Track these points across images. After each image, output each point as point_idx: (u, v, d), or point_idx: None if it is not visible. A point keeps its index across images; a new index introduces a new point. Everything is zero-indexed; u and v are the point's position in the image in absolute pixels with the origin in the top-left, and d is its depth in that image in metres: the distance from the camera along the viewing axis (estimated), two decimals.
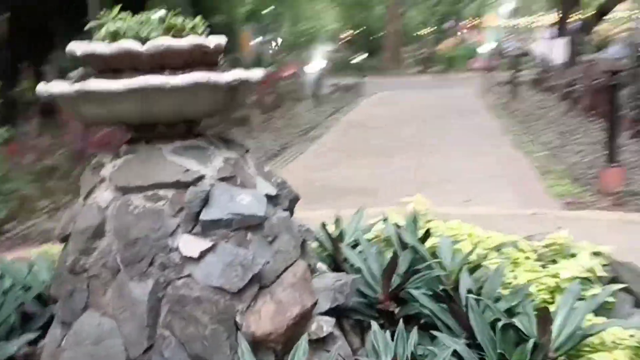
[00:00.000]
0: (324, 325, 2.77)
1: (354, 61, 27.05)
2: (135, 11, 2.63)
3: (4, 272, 3.33)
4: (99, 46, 2.46)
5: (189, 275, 2.53)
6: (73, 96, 2.41)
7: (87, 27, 2.64)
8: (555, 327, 2.74)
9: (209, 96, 2.51)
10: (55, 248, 4.66)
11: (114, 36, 2.52)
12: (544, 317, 2.68)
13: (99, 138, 9.16)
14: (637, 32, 21.95)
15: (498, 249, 3.67)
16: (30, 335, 2.92)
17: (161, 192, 2.55)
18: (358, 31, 37.72)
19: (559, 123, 11.56)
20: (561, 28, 22.21)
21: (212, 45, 2.61)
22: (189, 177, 2.55)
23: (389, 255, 3.51)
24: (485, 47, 26.37)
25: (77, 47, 2.52)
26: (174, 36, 2.53)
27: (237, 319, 2.54)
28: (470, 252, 3.39)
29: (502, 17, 44.36)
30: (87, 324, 2.61)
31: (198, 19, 2.68)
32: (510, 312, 2.91)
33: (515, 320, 2.72)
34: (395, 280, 3.27)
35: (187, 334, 2.50)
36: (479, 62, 27.14)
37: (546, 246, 3.69)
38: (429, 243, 3.65)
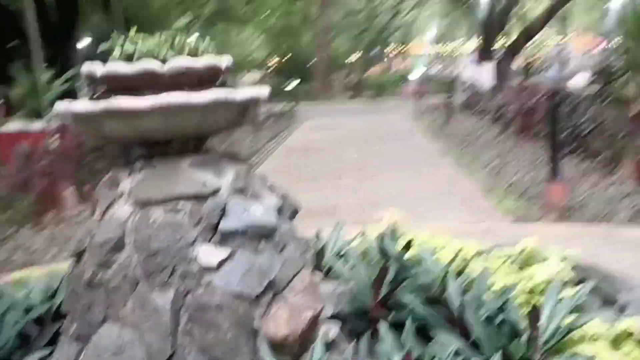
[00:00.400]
0: (332, 328, 2.92)
1: (285, 88, 27.37)
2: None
3: (1, 294, 3.33)
4: (121, 66, 2.57)
5: (209, 284, 2.64)
6: (97, 114, 2.50)
7: (100, 50, 2.74)
8: (542, 322, 2.97)
9: (225, 112, 2.66)
10: (34, 272, 4.64)
11: (131, 57, 2.63)
12: (534, 313, 2.92)
13: (42, 168, 9.05)
14: (558, 56, 23.23)
15: (479, 255, 3.91)
16: (42, 353, 2.94)
17: (180, 204, 2.66)
18: (287, 58, 38.16)
19: (495, 144, 12.10)
20: (486, 53, 23.28)
21: (223, 65, 2.77)
22: (207, 190, 2.68)
23: (373, 266, 3.69)
24: (415, 73, 27.21)
25: (96, 68, 2.62)
26: (189, 56, 2.67)
27: (255, 323, 2.66)
28: (453, 260, 3.62)
29: (428, 44, 45.86)
30: (106, 336, 2.67)
31: (207, 40, 2.82)
32: (500, 311, 3.13)
33: (512, 316, 2.94)
34: (384, 288, 3.44)
35: (208, 339, 2.60)
36: (409, 88, 27.98)
37: (518, 253, 3.96)
38: (407, 254, 3.84)
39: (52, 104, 9.50)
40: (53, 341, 3.07)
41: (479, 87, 19.66)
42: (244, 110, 2.75)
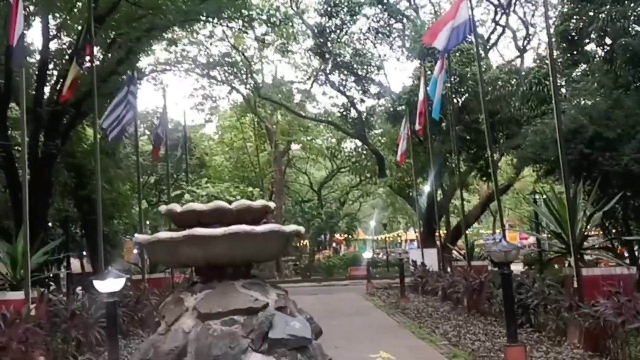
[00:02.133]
0: None
1: None
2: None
3: None
4: (197, 205, 3.28)
5: None
6: (178, 240, 3.17)
7: (174, 194, 3.46)
8: None
9: (276, 242, 3.37)
10: None
11: (198, 198, 3.36)
12: None
13: (19, 335, 9.23)
14: (490, 244, 24.82)
15: None
16: None
17: (236, 317, 3.26)
18: None
19: (449, 318, 12.79)
20: (428, 239, 24.79)
21: (273, 207, 3.52)
22: (259, 305, 3.30)
23: None
24: (362, 257, 28.38)
25: (175, 207, 3.33)
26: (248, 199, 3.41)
27: None
28: None
29: (373, 230, 47.97)
30: None
31: (257, 190, 3.59)
32: None
33: None
34: None
35: None
36: (357, 271, 29.01)
37: None
38: None
39: (31, 274, 9.95)
40: None
41: (425, 269, 20.67)
42: (288, 241, 3.46)
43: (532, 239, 34.53)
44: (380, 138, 32.17)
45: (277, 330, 3.23)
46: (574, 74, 17.02)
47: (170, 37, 23.52)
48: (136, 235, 3.29)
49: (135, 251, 28.19)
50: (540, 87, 17.02)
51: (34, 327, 9.47)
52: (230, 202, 3.29)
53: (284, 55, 33.43)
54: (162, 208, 3.30)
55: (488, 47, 28.35)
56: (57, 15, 17.82)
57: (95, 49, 14.22)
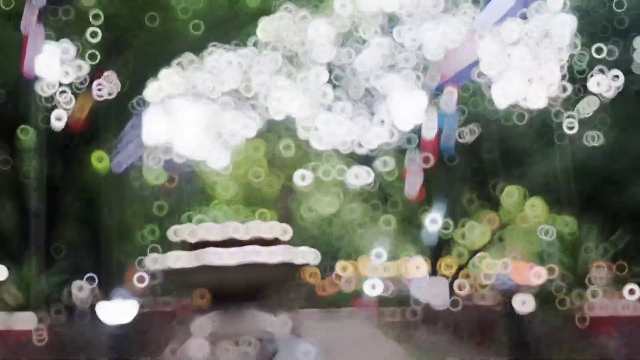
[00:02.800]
0: None
1: None
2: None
3: None
4: (209, 225, 3.30)
5: None
6: (192, 267, 3.18)
7: (185, 215, 3.49)
8: None
9: (287, 268, 3.38)
10: None
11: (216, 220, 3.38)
12: None
13: None
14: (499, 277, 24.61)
15: None
16: None
17: (247, 339, 3.25)
18: None
19: (459, 350, 12.66)
20: (434, 271, 24.67)
21: (284, 229, 3.54)
22: (270, 327, 3.30)
23: None
24: (366, 286, 28.16)
25: (187, 227, 3.35)
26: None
27: None
28: None
29: (377, 259, 47.65)
30: None
31: (270, 212, 3.62)
32: None
33: None
34: None
35: None
36: (362, 300, 28.75)
37: None
38: None
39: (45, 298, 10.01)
40: None
41: (431, 301, 20.46)
42: (298, 270, 3.48)
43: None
44: (388, 171, 32.19)
45: (284, 354, 3.23)
46: (582, 110, 17.06)
47: (180, 63, 23.72)
48: (149, 258, 3.31)
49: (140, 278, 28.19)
50: (550, 122, 17.05)
51: (42, 353, 9.48)
52: (242, 223, 3.31)
53: None
54: (173, 229, 3.32)
55: None
56: (70, 41, 18.05)
57: (107, 75, 14.39)
